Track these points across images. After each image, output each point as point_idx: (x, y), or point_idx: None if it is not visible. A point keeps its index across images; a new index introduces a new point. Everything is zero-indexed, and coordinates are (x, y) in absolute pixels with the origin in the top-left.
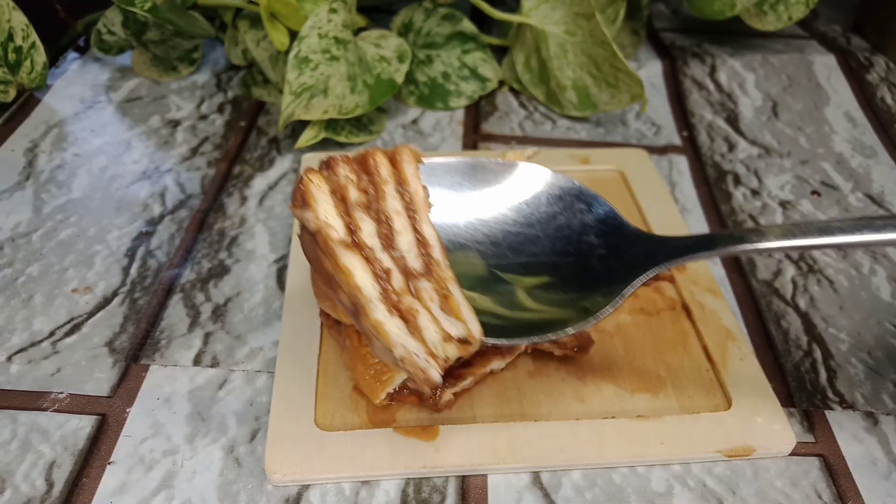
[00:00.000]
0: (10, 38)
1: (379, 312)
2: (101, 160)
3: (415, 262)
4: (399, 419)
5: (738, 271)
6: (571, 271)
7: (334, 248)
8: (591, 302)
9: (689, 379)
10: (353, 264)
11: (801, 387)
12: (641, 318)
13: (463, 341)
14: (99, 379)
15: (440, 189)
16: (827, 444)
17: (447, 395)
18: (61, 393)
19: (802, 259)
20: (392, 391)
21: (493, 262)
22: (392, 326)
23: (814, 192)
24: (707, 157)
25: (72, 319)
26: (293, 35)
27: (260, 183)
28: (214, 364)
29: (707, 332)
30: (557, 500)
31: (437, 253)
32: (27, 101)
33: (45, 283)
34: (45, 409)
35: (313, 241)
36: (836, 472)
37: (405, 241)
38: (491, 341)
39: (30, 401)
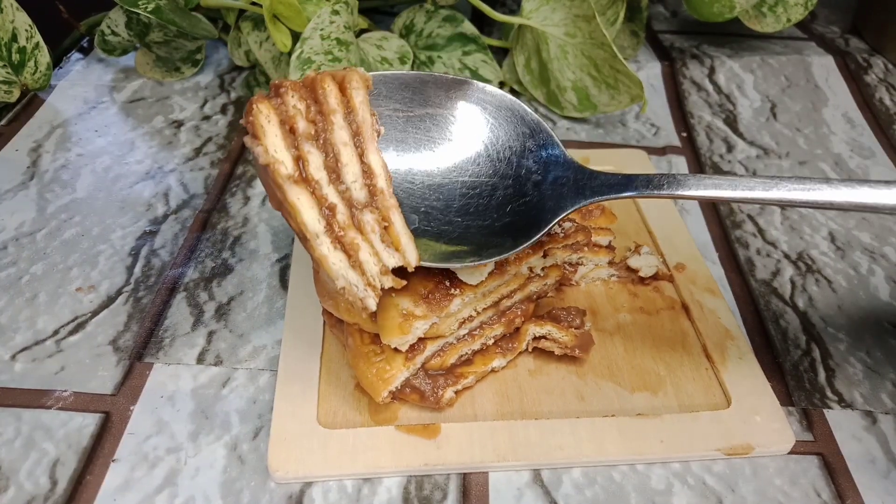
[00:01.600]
0: (14, 38)
1: (323, 247)
2: (105, 160)
3: (359, 193)
4: (401, 417)
5: (737, 271)
6: (507, 194)
7: (283, 183)
8: (519, 231)
9: (688, 378)
10: (301, 201)
11: (800, 386)
12: (641, 318)
13: (399, 271)
14: (103, 377)
15: (391, 104)
16: (826, 443)
17: (448, 393)
18: (65, 391)
19: (801, 259)
20: (394, 389)
21: (437, 181)
22: (335, 260)
23: None
24: (706, 158)
25: (76, 318)
26: (296, 36)
27: None
28: (218, 362)
29: (706, 332)
30: (558, 497)
31: (381, 182)
32: (31, 101)
33: (49, 282)
34: (49, 407)
35: (264, 171)
36: (834, 470)
37: (351, 172)
38: (426, 265)
39: (34, 399)
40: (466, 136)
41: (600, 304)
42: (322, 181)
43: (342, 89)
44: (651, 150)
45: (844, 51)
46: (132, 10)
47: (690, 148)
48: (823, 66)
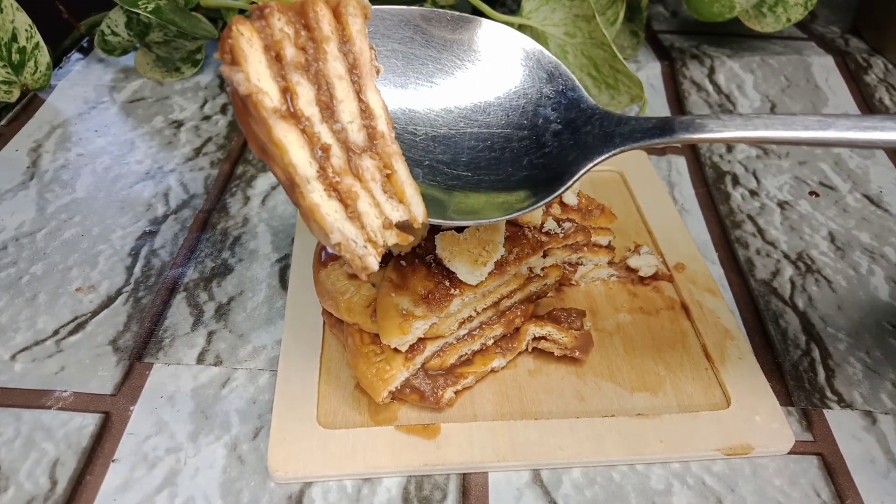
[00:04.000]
0: (14, 38)
1: (315, 194)
2: (105, 160)
3: (357, 136)
4: (400, 417)
5: (737, 271)
6: (523, 146)
7: (267, 118)
8: (540, 185)
9: (688, 378)
10: (289, 139)
11: (800, 386)
12: (641, 318)
13: (404, 226)
14: (102, 377)
15: (389, 44)
16: (825, 443)
17: (448, 393)
18: (65, 391)
19: (801, 259)
20: (394, 389)
21: (442, 132)
22: (329, 209)
23: (812, 193)
24: (706, 158)
25: (76, 318)
26: None
27: (262, 183)
28: (217, 362)
29: (706, 332)
30: (557, 497)
31: (381, 125)
32: (31, 101)
33: (49, 282)
34: (48, 408)
35: (244, 105)
36: (834, 470)
37: (347, 110)
38: (434, 222)
39: (34, 399)
40: (474, 82)
41: (600, 304)
42: (314, 118)
43: (336, 15)
44: (651, 150)
45: (844, 51)
46: (132, 10)
47: (690, 148)
48: (823, 66)
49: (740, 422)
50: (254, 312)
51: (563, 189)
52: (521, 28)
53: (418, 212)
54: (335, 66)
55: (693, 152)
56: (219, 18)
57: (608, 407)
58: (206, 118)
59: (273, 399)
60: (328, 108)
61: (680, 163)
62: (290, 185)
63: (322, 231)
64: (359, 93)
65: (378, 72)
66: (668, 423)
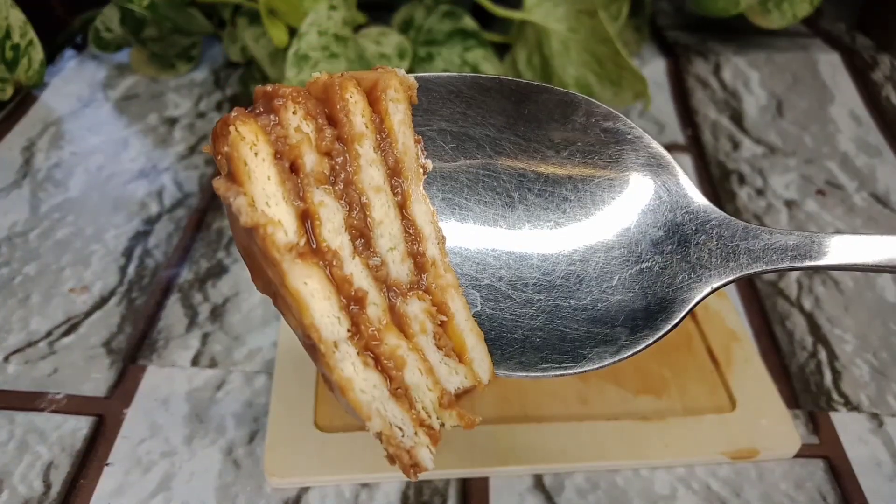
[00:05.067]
0: (8, 35)
1: (347, 364)
2: (99, 158)
3: (400, 269)
4: None
5: None
6: (612, 259)
7: (280, 259)
8: (638, 317)
9: (693, 380)
10: (310, 288)
11: (806, 388)
12: None
13: (466, 393)
14: (96, 379)
15: (435, 122)
16: (832, 446)
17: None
18: (58, 394)
19: None
20: None
21: (502, 239)
22: (366, 385)
23: (819, 192)
24: (711, 156)
25: (69, 319)
26: (292, 32)
27: None
28: (213, 365)
29: (711, 334)
30: (560, 502)
31: (431, 248)
32: (24, 98)
33: (42, 283)
34: (42, 410)
35: (247, 234)
36: (840, 474)
37: (387, 234)
38: (505, 375)
39: (27, 401)
40: (543, 169)
41: None
42: (343, 251)
43: (373, 101)
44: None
45: (851, 48)
46: (127, 5)
47: (695, 146)
48: (829, 64)
49: (746, 425)
50: (249, 314)
51: (669, 327)
52: (522, 23)
53: (483, 370)
54: (371, 175)
55: (698, 150)
56: (214, 14)
57: (611, 410)
58: (201, 115)
59: (269, 402)
60: (362, 235)
61: (685, 161)
62: (312, 348)
63: (355, 413)
64: (401, 206)
65: (425, 171)
66: (672, 427)
